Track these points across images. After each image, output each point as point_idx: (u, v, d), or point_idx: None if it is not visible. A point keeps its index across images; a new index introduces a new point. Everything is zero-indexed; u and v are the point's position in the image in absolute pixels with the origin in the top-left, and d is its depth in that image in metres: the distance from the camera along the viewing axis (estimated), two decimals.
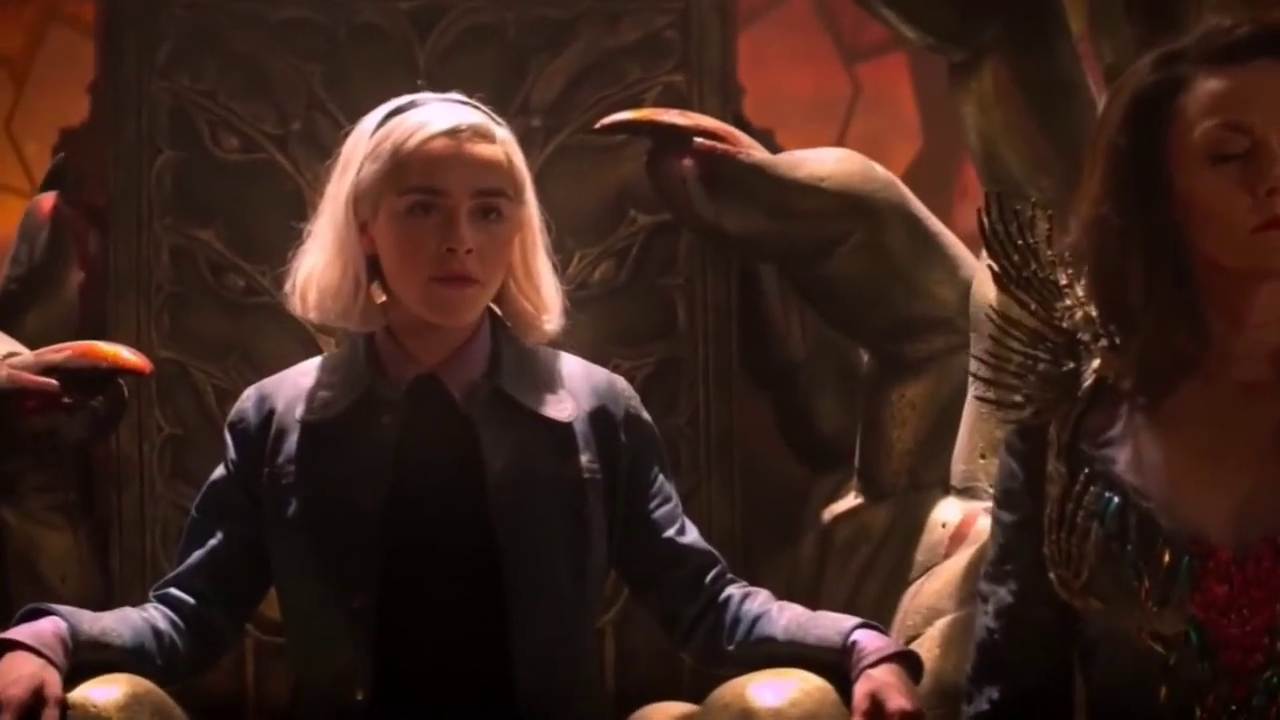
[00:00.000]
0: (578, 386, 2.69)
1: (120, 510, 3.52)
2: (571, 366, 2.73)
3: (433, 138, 2.54)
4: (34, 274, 3.54)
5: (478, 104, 2.65)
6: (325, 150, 2.71)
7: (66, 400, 3.04)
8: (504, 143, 2.62)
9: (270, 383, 2.73)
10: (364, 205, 2.58)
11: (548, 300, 2.66)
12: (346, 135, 2.66)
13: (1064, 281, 2.45)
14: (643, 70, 3.62)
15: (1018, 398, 2.48)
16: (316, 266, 2.61)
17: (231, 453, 2.69)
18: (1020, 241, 2.48)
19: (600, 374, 2.77)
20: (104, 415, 3.14)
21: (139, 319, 3.53)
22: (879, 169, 3.50)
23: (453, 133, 2.54)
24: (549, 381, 2.67)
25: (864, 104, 4.35)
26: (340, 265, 2.59)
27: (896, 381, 3.49)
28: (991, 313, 2.52)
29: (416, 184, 2.53)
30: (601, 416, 2.67)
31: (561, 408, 2.65)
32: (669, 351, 3.61)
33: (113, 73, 3.56)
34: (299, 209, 2.98)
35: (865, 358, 3.61)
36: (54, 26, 4.07)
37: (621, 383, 2.79)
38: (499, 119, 2.65)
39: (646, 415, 2.77)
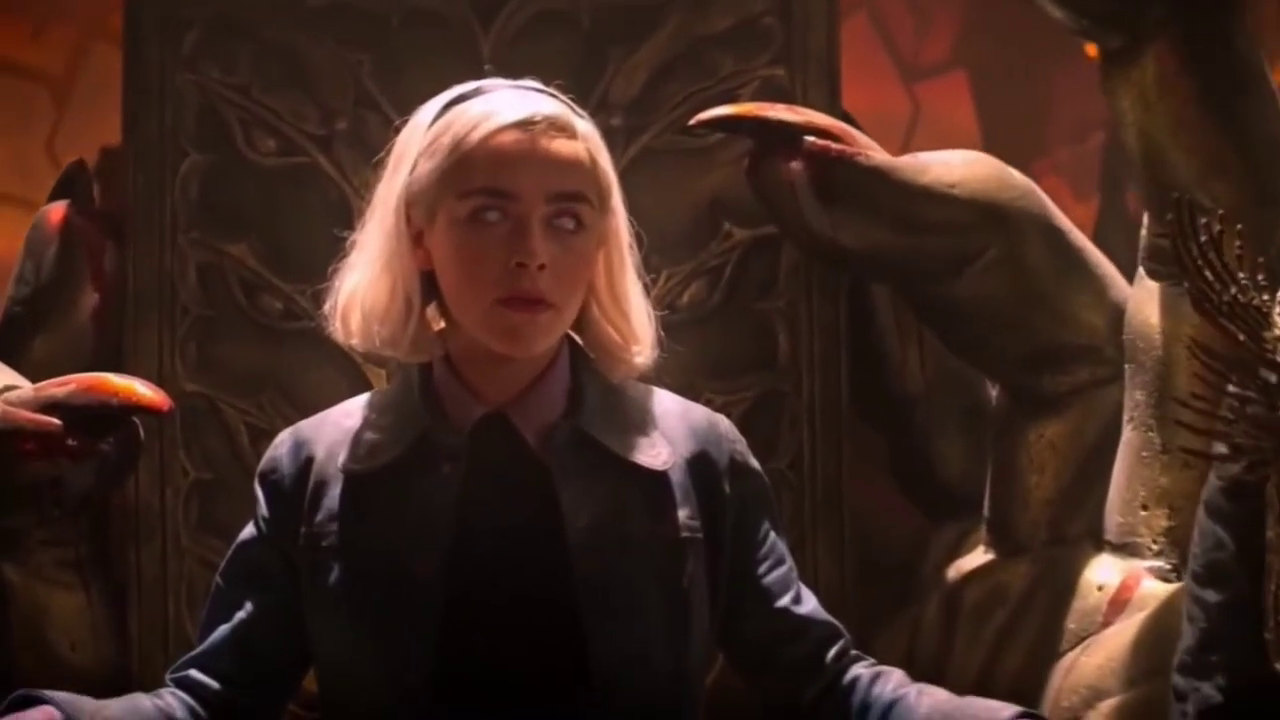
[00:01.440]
0: (673, 428, 2.44)
1: (140, 567, 3.36)
2: (666, 405, 2.49)
3: (501, 130, 2.28)
4: (41, 294, 3.39)
5: (555, 92, 2.38)
6: (374, 152, 2.50)
7: (71, 443, 2.82)
8: (586, 138, 2.35)
9: (308, 425, 2.46)
10: (418, 210, 2.31)
11: (637, 328, 2.41)
12: (400, 128, 2.39)
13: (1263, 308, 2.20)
14: (737, 62, 3.43)
15: (1224, 448, 2.19)
16: (361, 283, 2.36)
17: (263, 509, 2.43)
18: (1214, 260, 2.19)
19: (699, 413, 2.51)
20: (115, 461, 2.91)
21: (161, 347, 3.38)
22: (1015, 174, 3.23)
23: (525, 124, 2.29)
24: (640, 423, 2.43)
25: (924, 123, 4.25)
26: (388, 282, 2.34)
27: (1034, 419, 3.28)
28: (1193, 346, 2.26)
29: (481, 185, 2.27)
30: (702, 464, 2.43)
31: (655, 454, 2.40)
32: (769, 385, 3.43)
33: (132, 65, 3.41)
34: (345, 220, 2.76)
35: (995, 392, 3.41)
36: (97, 44, 4.00)
37: (725, 424, 2.51)
38: (580, 110, 2.38)
39: (755, 462, 2.51)
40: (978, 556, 3.35)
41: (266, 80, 3.42)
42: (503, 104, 2.32)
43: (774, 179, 3.19)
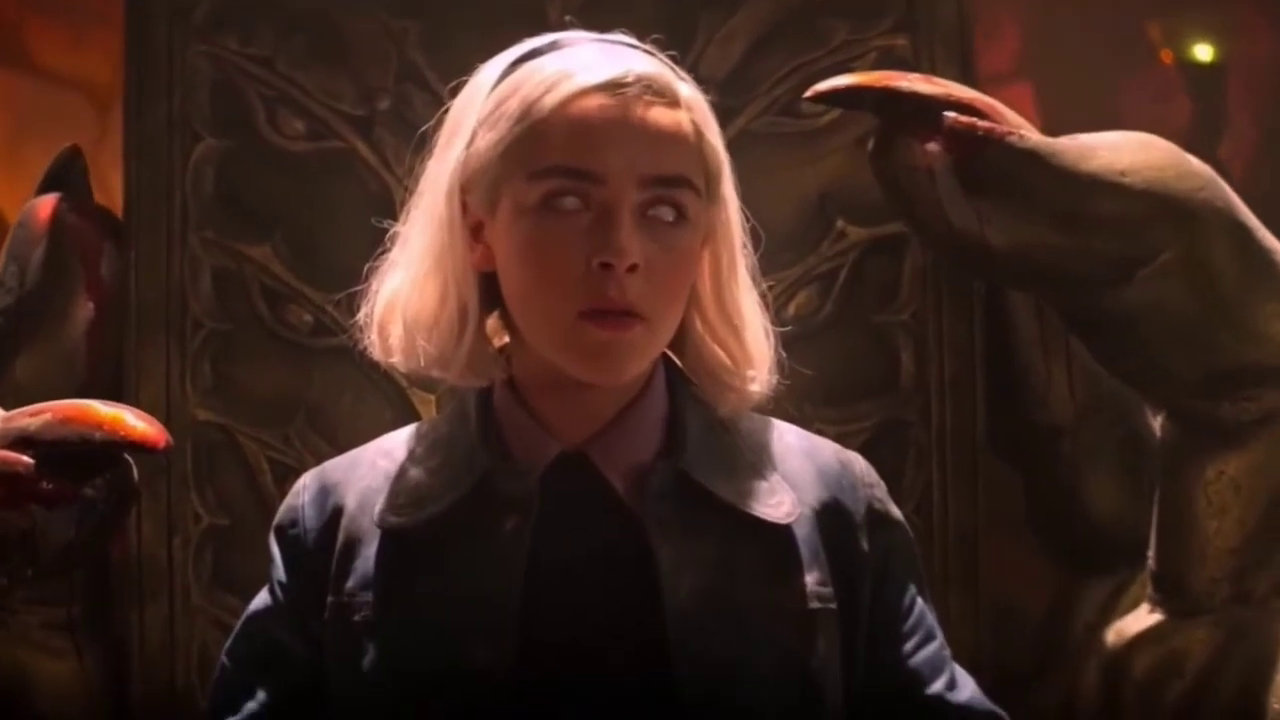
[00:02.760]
0: (798, 471, 2.19)
1: (143, 630, 3.18)
2: (788, 440, 2.23)
3: (583, 94, 2.02)
4: (25, 304, 3.18)
5: (651, 49, 2.11)
6: (422, 136, 2.32)
7: (45, 486, 2.55)
8: (690, 106, 2.07)
9: (337, 467, 2.23)
10: (477, 195, 2.06)
11: (752, 348, 2.15)
12: (457, 89, 2.14)
13: None
14: (851, 30, 3.21)
15: None
16: (403, 286, 2.13)
17: (280, 572, 2.19)
18: None
19: (828, 451, 2.25)
20: (103, 510, 2.62)
21: (169, 368, 3.20)
22: (1194, 161, 2.90)
23: (614, 87, 2.02)
24: (756, 464, 2.17)
25: None
26: (438, 285, 2.10)
27: (1211, 454, 2.94)
28: None
29: (556, 163, 2.01)
30: (834, 515, 2.17)
31: (776, 503, 2.14)
32: (890, 413, 3.22)
33: (134, 33, 3.22)
34: (386, 215, 2.48)
35: (1158, 420, 3.08)
36: None
37: (860, 464, 2.26)
38: (683, 73, 2.11)
39: (896, 510, 2.25)
40: (1143, 616, 3.03)
41: (294, 51, 3.24)
42: (586, 61, 2.06)
43: (906, 164, 2.87)
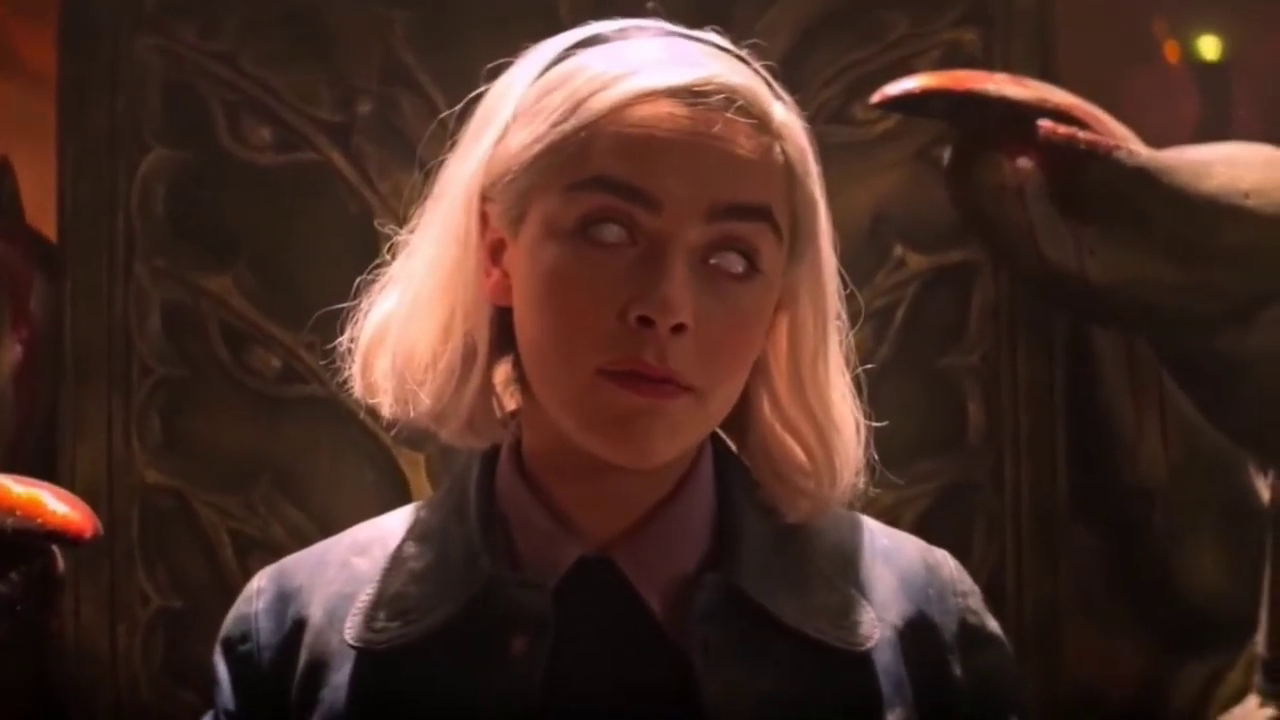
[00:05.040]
0: (878, 581, 1.89)
1: None
2: (867, 542, 1.92)
3: (649, 97, 1.72)
4: None
5: (746, 56, 1.79)
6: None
7: None
8: (783, 133, 1.75)
9: (300, 566, 1.91)
10: (501, 205, 1.75)
11: (838, 447, 1.84)
12: (498, 70, 1.84)
13: None
14: (912, 23, 3.05)
15: None
16: (400, 309, 1.83)
17: (226, 698, 1.86)
18: None
19: (911, 551, 1.93)
20: (21, 611, 2.45)
21: (111, 421, 3.04)
22: None
23: (689, 95, 1.71)
24: (830, 575, 1.86)
25: None
26: (442, 314, 1.80)
27: None
28: None
29: (602, 173, 1.70)
30: (920, 635, 1.87)
31: (852, 626, 1.84)
32: (957, 474, 3.06)
33: (72, 22, 3.05)
34: (368, 239, 2.51)
35: (1267, 481, 2.98)
36: None
37: (948, 566, 1.93)
38: (780, 89, 1.79)
39: (993, 623, 1.91)
40: (1252, 711, 2.91)
41: (262, 46, 3.08)
42: (659, 58, 1.76)
43: (990, 183, 2.74)
